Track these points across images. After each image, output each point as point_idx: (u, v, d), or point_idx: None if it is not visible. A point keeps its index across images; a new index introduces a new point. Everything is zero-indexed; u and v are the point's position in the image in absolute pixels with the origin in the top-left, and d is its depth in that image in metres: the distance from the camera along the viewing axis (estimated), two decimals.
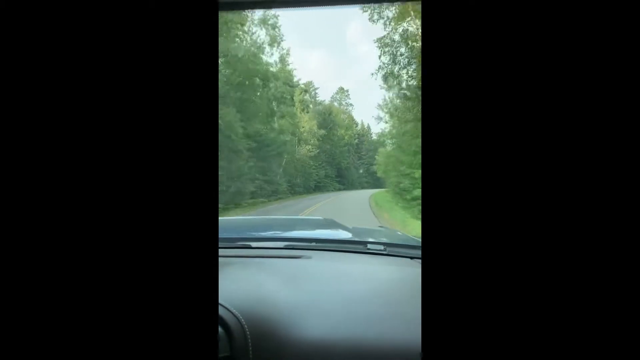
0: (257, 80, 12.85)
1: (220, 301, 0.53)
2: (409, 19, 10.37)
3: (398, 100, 13.12)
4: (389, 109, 15.71)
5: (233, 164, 10.73)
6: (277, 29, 14.36)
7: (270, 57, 15.02)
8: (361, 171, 36.59)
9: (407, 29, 10.74)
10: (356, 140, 36.53)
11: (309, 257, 0.86)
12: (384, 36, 11.43)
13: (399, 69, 11.49)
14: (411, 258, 0.90)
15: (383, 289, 0.68)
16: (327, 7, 0.66)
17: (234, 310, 0.53)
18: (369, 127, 40.09)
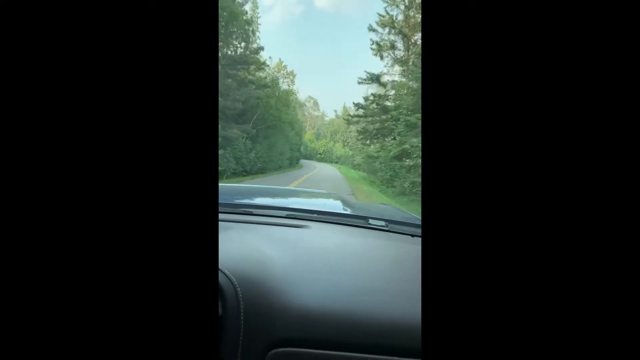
0: None
1: None
2: None
3: None
4: None
5: None
6: None
7: None
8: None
9: None
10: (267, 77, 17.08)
11: (309, 227, 0.86)
12: None
13: None
14: (412, 236, 0.88)
15: (380, 264, 0.68)
16: None
17: (226, 271, 0.52)
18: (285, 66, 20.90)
